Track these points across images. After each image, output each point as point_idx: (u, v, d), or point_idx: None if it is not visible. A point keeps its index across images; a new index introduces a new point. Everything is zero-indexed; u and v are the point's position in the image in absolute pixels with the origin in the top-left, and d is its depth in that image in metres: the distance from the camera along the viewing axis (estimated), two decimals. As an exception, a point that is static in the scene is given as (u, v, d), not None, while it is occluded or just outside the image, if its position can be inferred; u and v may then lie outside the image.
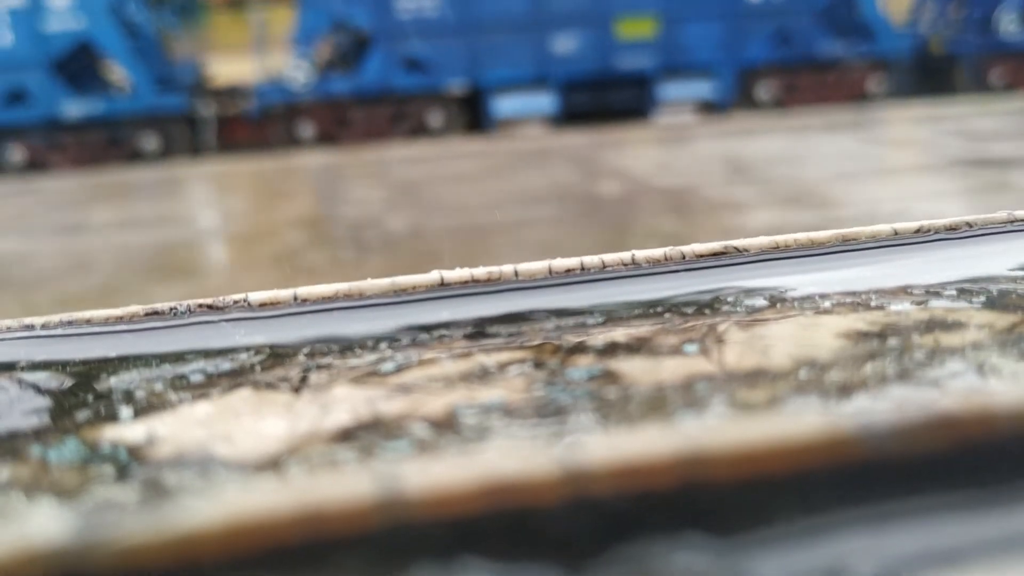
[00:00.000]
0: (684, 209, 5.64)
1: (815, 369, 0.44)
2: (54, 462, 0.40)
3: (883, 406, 0.36)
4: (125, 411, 0.45)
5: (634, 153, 7.89)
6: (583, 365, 0.47)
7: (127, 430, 0.43)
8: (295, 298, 0.57)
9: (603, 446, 0.35)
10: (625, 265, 0.60)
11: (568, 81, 9.35)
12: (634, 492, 0.32)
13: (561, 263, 0.60)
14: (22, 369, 0.51)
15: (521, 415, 0.41)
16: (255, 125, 9.50)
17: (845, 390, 0.40)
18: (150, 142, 9.33)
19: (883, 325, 0.50)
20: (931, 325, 0.49)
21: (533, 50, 9.28)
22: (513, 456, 0.35)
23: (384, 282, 0.58)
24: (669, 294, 0.57)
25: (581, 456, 0.33)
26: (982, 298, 0.53)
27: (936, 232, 0.63)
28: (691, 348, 0.48)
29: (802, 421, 0.36)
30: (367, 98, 9.26)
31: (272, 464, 0.38)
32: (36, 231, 6.16)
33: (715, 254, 0.61)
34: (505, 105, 9.38)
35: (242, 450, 0.40)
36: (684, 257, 0.61)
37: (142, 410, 0.45)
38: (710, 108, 9.71)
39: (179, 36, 10.23)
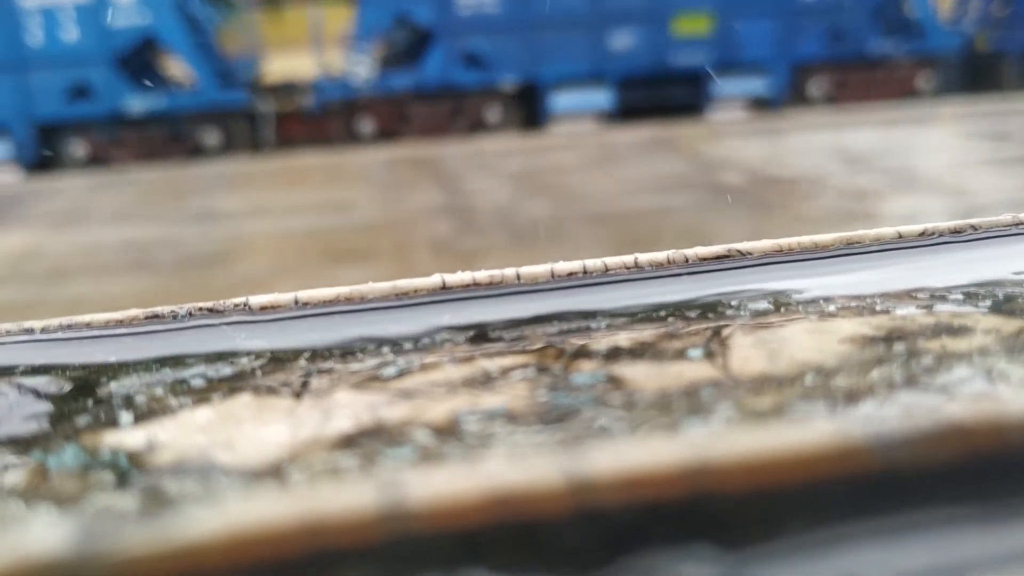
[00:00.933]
0: (819, 196, 5.66)
1: (822, 375, 0.43)
2: (53, 468, 0.40)
3: (893, 414, 0.36)
4: (125, 417, 0.45)
5: (728, 145, 7.90)
6: (587, 370, 0.47)
7: (127, 436, 0.43)
8: (296, 302, 0.57)
9: (609, 455, 0.35)
10: (628, 268, 0.60)
11: (624, 77, 9.54)
12: (642, 502, 0.32)
13: (563, 266, 0.60)
14: (21, 373, 0.51)
15: (525, 422, 0.40)
16: (311, 121, 9.62)
17: (854, 397, 0.40)
18: (212, 137, 9.43)
19: (890, 330, 0.49)
20: (938, 330, 0.49)
21: (590, 47, 9.45)
22: (518, 465, 0.35)
23: (385, 285, 0.58)
24: (673, 298, 0.57)
25: (587, 465, 0.33)
26: (989, 302, 0.53)
27: (941, 235, 0.63)
28: (696, 353, 0.48)
29: (811, 430, 0.35)
30: (427, 94, 9.42)
31: (274, 472, 0.37)
32: (168, 219, 6.21)
33: (718, 257, 0.61)
34: (562, 101, 9.56)
35: (243, 457, 0.39)
36: (687, 260, 0.60)
37: (142, 416, 0.45)
38: (760, 105, 9.94)
39: (234, 32, 10.35)
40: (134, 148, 9.31)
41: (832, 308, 0.54)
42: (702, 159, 7.14)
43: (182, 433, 0.42)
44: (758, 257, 0.61)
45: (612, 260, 0.60)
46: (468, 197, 6.26)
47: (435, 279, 0.58)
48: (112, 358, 0.52)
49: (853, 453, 0.33)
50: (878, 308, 0.53)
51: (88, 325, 0.55)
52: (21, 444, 0.43)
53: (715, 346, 0.49)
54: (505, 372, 0.47)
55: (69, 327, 0.55)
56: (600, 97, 9.58)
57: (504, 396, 0.44)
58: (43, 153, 9.15)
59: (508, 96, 9.62)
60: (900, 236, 0.63)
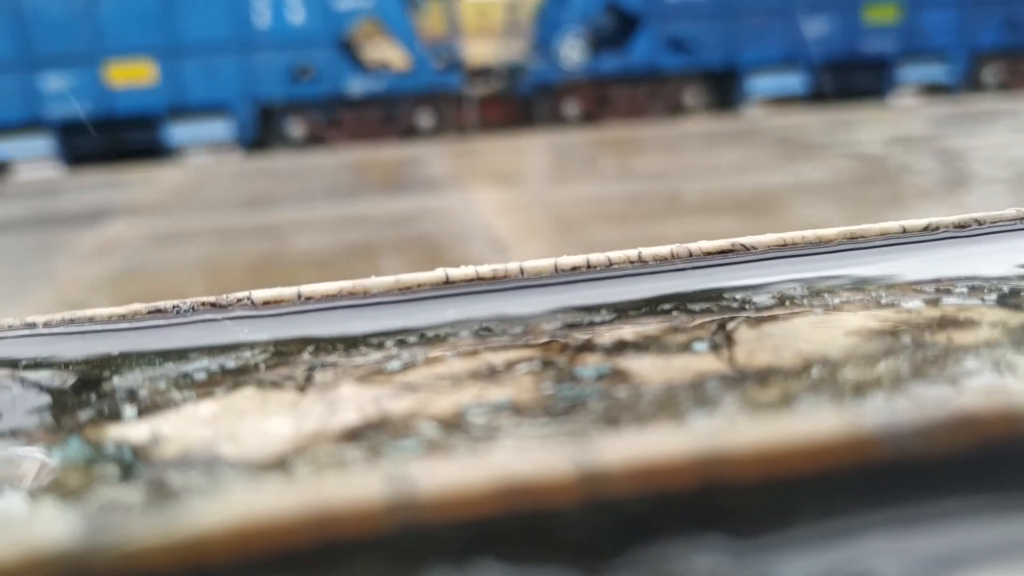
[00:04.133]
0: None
1: (829, 367, 0.43)
2: (58, 462, 0.40)
3: (902, 405, 0.36)
4: (129, 410, 0.45)
5: (984, 132, 8.07)
6: (592, 363, 0.47)
7: (131, 429, 0.42)
8: (299, 296, 0.56)
9: (618, 446, 0.34)
10: (632, 263, 0.60)
11: (817, 63, 9.99)
12: (652, 493, 0.32)
13: (567, 260, 0.59)
14: (25, 368, 0.51)
15: (531, 414, 0.40)
16: (508, 104, 10.21)
17: (861, 389, 0.39)
18: (426, 119, 9.80)
19: (896, 323, 0.49)
20: (944, 323, 0.49)
21: (786, 33, 9.94)
22: (526, 456, 0.35)
23: (388, 280, 0.57)
24: (676, 292, 0.57)
25: (596, 456, 0.33)
26: (994, 296, 0.53)
27: (945, 230, 0.63)
28: (701, 346, 0.48)
29: (821, 420, 0.35)
30: (631, 77, 9.91)
31: (279, 464, 0.37)
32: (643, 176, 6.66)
33: (722, 251, 0.60)
34: (759, 84, 10.12)
35: (248, 450, 0.39)
36: (691, 254, 0.60)
37: (146, 409, 0.45)
38: (933, 91, 10.53)
39: (436, 16, 10.72)
40: (350, 129, 9.66)
41: (836, 302, 0.53)
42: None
43: (186, 426, 0.42)
44: (762, 251, 0.61)
45: (616, 254, 0.60)
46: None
47: (438, 273, 0.58)
48: (115, 352, 0.52)
49: (863, 443, 0.33)
50: (883, 302, 0.53)
51: (91, 319, 0.55)
52: (25, 438, 0.43)
53: (720, 339, 0.49)
54: (510, 365, 0.47)
55: (71, 321, 0.55)
56: (794, 81, 10.12)
57: (509, 389, 0.44)
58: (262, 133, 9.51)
59: (708, 80, 10.10)
60: (904, 231, 0.62)
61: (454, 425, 0.40)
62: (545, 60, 9.99)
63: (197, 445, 0.40)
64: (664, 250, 0.60)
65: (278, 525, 0.31)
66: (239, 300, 0.56)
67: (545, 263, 0.59)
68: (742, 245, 0.61)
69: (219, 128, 9.39)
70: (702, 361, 0.46)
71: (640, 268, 0.60)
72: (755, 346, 0.47)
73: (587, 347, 0.49)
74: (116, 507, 0.34)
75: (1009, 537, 0.31)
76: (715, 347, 0.48)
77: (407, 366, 0.48)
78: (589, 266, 0.59)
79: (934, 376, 0.41)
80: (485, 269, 0.58)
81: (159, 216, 6.32)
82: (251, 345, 0.52)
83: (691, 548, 0.30)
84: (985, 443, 0.33)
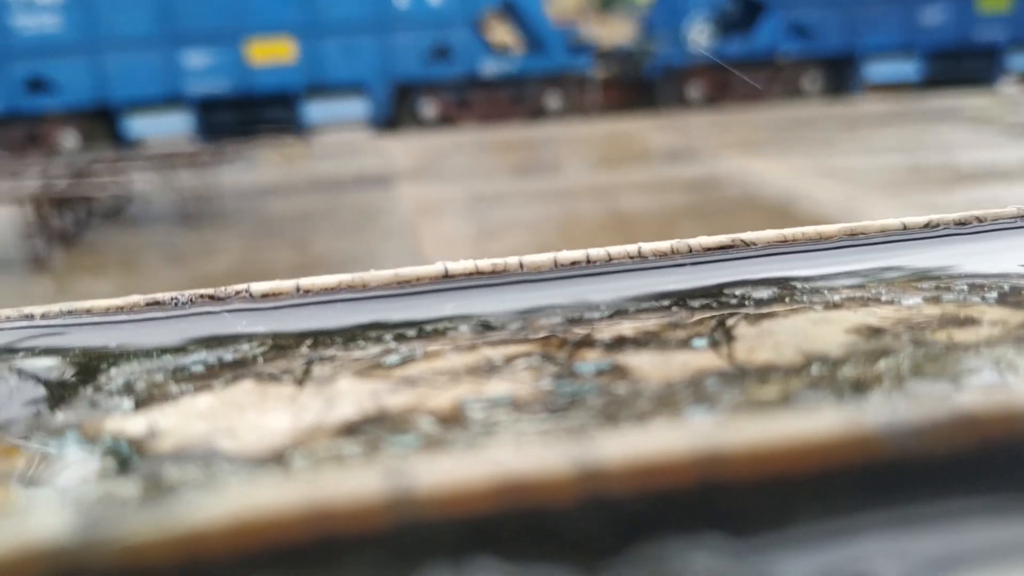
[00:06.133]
0: None
1: (828, 365, 0.43)
2: (55, 455, 0.40)
3: (902, 403, 0.36)
4: (126, 403, 0.45)
5: None
6: (591, 359, 0.46)
7: (128, 423, 0.42)
8: (297, 289, 0.56)
9: (617, 443, 0.34)
10: (631, 258, 0.59)
11: (930, 50, 10.53)
12: (650, 491, 0.31)
13: (566, 255, 0.59)
14: (22, 359, 0.51)
15: (530, 410, 0.40)
16: (624, 87, 10.64)
17: (862, 386, 0.39)
18: (555, 100, 10.14)
19: (895, 320, 0.49)
20: (944, 321, 0.49)
21: (903, 20, 10.43)
22: (524, 453, 0.35)
23: (387, 273, 0.57)
24: (676, 287, 0.56)
25: (595, 453, 0.33)
26: (994, 294, 0.53)
27: (945, 227, 0.63)
28: (700, 343, 0.48)
29: (820, 418, 0.35)
30: (753, 62, 10.36)
31: (277, 458, 0.37)
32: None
33: (722, 247, 0.60)
34: (876, 70, 10.60)
35: (246, 444, 0.39)
36: (691, 250, 0.60)
37: (143, 402, 0.45)
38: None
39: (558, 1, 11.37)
40: (480, 109, 9.98)
41: (837, 299, 0.53)
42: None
43: (184, 420, 0.42)
44: (762, 247, 0.60)
45: (615, 249, 0.60)
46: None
47: (438, 267, 0.58)
48: (113, 344, 0.52)
49: (862, 442, 0.33)
50: (883, 299, 0.53)
51: (88, 311, 0.55)
52: (22, 430, 0.43)
53: (720, 336, 0.49)
54: (509, 360, 0.47)
55: (69, 313, 0.54)
56: (909, 68, 10.62)
57: (508, 384, 0.44)
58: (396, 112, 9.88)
59: (824, 65, 10.56)
60: (905, 228, 0.62)
61: (452, 420, 0.39)
62: (673, 44, 10.38)
63: (195, 439, 0.40)
64: (664, 245, 0.60)
65: (275, 519, 0.31)
66: (237, 293, 0.56)
67: (544, 258, 0.59)
68: (742, 241, 0.60)
69: (356, 107, 9.65)
70: (702, 358, 0.45)
71: (640, 263, 0.59)
72: (755, 343, 0.47)
73: (586, 343, 0.49)
74: (113, 500, 0.34)
75: (1008, 537, 0.31)
76: (715, 344, 0.47)
77: (405, 360, 0.48)
78: (588, 261, 0.59)
79: (934, 374, 0.41)
80: (484, 263, 0.58)
81: (436, 181, 6.76)
82: (249, 338, 0.52)
83: (689, 546, 0.30)
84: (984, 442, 0.33)
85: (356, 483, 0.33)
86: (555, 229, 5.05)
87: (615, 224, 5.02)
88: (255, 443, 0.39)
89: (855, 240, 0.62)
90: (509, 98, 10.05)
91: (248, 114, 9.48)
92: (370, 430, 0.39)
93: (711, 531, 0.30)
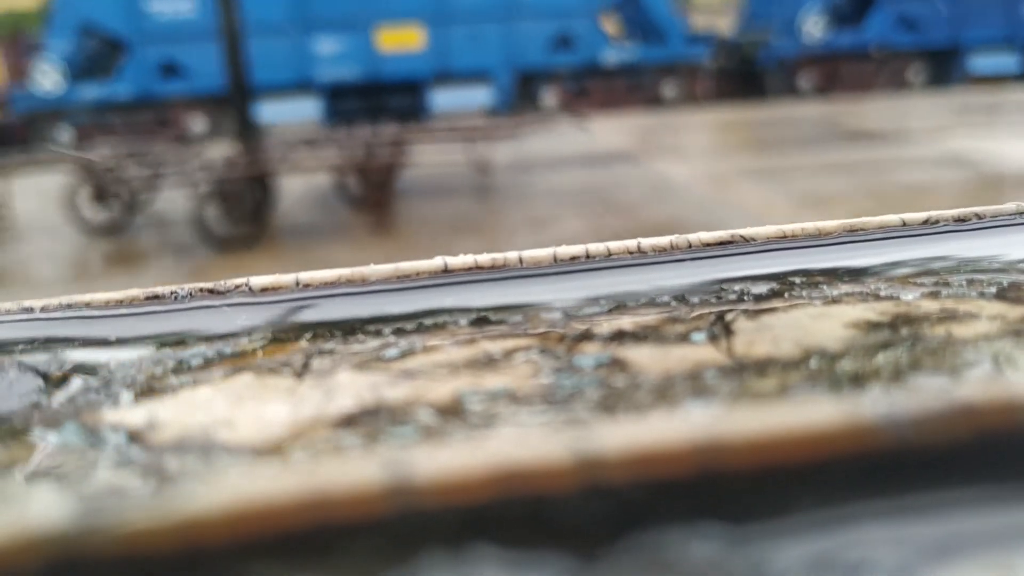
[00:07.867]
0: None
1: (827, 358, 0.43)
2: (54, 447, 0.40)
3: (901, 395, 0.36)
4: (125, 395, 0.45)
5: None
6: (590, 353, 0.46)
7: (128, 414, 0.42)
8: (297, 283, 0.56)
9: (615, 434, 0.34)
10: (631, 253, 0.60)
11: None
12: (649, 481, 0.31)
13: (566, 250, 0.59)
14: (21, 352, 0.51)
15: (529, 402, 0.40)
16: (732, 76, 10.89)
17: (859, 379, 0.39)
18: (672, 89, 10.39)
19: (894, 315, 0.49)
20: (943, 316, 0.49)
21: (1007, 14, 10.66)
22: (523, 443, 0.35)
23: (387, 268, 0.57)
24: (675, 283, 0.56)
25: (594, 443, 0.33)
26: (993, 290, 0.53)
27: (944, 223, 0.63)
28: (699, 337, 0.48)
29: (819, 410, 0.35)
30: (860, 53, 10.64)
31: (276, 450, 0.37)
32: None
33: (722, 243, 0.60)
34: (979, 63, 10.81)
35: (245, 435, 0.39)
36: (690, 246, 0.60)
37: (143, 394, 0.45)
38: None
39: None
40: (598, 98, 10.11)
41: (835, 294, 0.53)
42: None
43: (183, 412, 0.42)
44: (761, 243, 0.61)
45: (615, 244, 0.60)
46: None
47: (437, 262, 0.58)
48: (112, 337, 0.52)
49: (861, 433, 0.33)
50: (882, 294, 0.53)
51: (88, 305, 0.55)
52: (21, 422, 0.43)
53: (719, 330, 0.49)
54: (508, 354, 0.47)
55: (69, 306, 0.55)
56: (1011, 61, 10.82)
57: (507, 377, 0.44)
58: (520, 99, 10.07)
59: (929, 57, 10.79)
60: (904, 224, 0.62)
61: (451, 412, 0.40)
62: (787, 35, 10.63)
63: (194, 430, 0.40)
64: (663, 241, 0.60)
65: (275, 511, 0.31)
66: (237, 287, 0.56)
67: (544, 252, 0.59)
68: (741, 236, 0.61)
69: (480, 95, 9.75)
70: (700, 351, 0.46)
71: (639, 259, 0.59)
72: (753, 337, 0.47)
73: (585, 337, 0.49)
74: (113, 492, 0.34)
75: (1005, 527, 0.31)
76: (713, 337, 0.47)
77: (405, 354, 0.48)
78: (588, 256, 0.59)
79: (932, 368, 0.41)
80: (484, 258, 0.58)
81: (683, 159, 7.03)
82: (248, 332, 0.52)
83: (688, 536, 0.30)
84: (983, 434, 0.33)
85: (355, 472, 0.33)
86: (867, 197, 5.23)
87: (906, 195, 5.21)
88: (254, 435, 0.39)
89: (854, 236, 0.62)
90: (626, 87, 10.24)
91: (374, 101, 9.58)
92: (369, 421, 0.39)
93: (709, 519, 0.30)
